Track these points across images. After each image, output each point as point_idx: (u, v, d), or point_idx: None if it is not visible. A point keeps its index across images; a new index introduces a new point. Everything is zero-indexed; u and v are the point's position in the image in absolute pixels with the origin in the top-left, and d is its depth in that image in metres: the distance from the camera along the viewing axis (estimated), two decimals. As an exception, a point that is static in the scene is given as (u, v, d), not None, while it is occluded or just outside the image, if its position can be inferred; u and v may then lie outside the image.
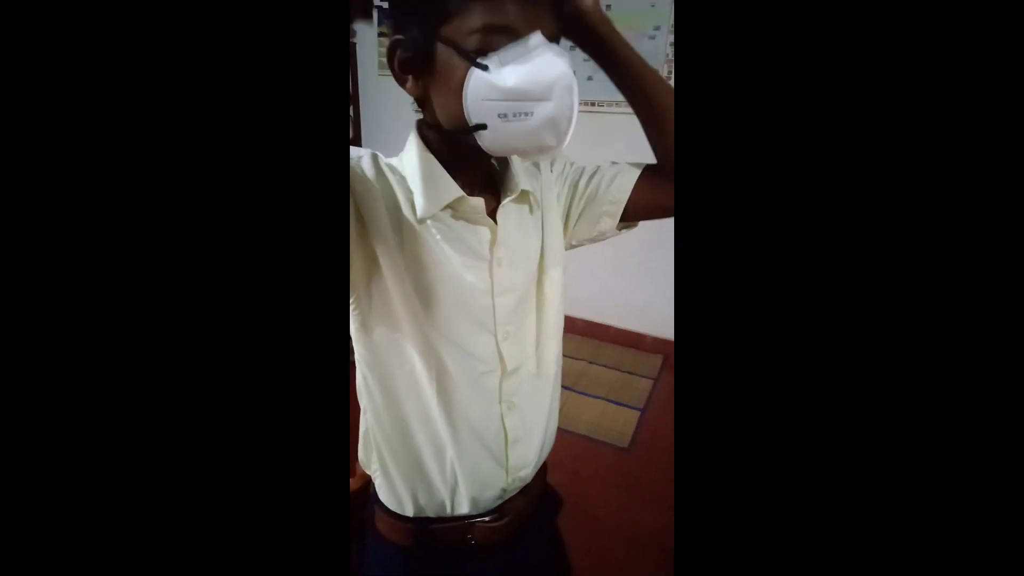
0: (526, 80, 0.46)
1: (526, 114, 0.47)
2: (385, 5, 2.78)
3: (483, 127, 0.48)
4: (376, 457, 0.64)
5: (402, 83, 0.52)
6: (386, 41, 2.85)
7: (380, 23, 2.84)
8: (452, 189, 0.55)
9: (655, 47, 2.27)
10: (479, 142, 0.49)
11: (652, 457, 1.90)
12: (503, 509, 0.64)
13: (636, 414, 2.15)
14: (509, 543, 0.65)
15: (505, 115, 0.47)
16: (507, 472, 0.63)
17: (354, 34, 2.91)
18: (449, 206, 0.55)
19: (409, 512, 0.62)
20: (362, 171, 0.53)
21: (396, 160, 0.59)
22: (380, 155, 0.56)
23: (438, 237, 0.55)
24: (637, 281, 2.53)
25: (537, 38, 0.47)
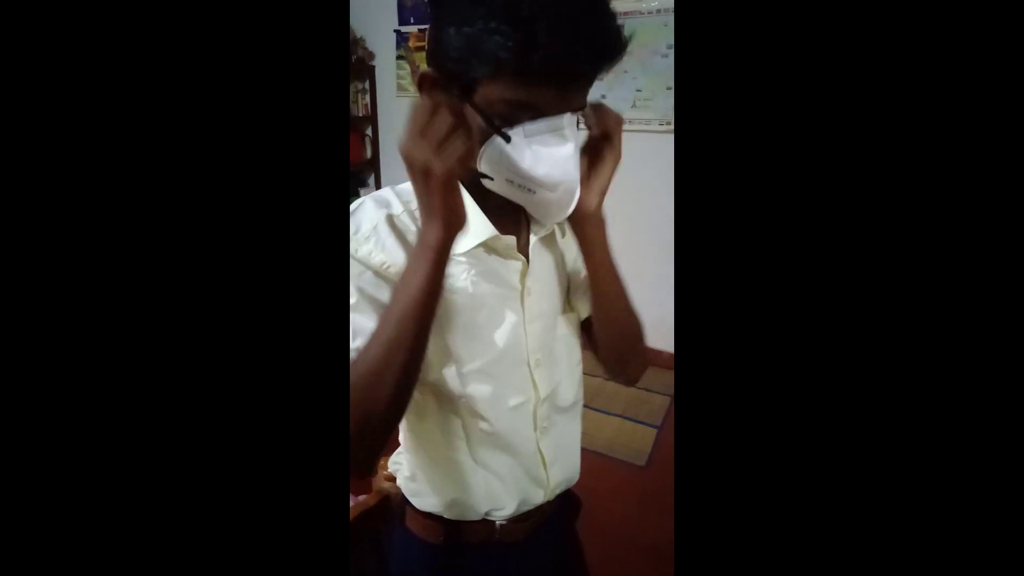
0: (538, 169, 0.48)
1: (530, 190, 0.50)
2: (403, 30, 2.85)
3: (489, 178, 0.51)
4: (409, 468, 0.66)
5: None
6: (404, 64, 2.91)
7: (399, 46, 2.90)
8: (486, 227, 0.55)
9: (668, 65, 2.29)
10: (482, 181, 0.52)
11: (670, 475, 1.87)
12: (529, 512, 0.66)
13: (653, 431, 2.12)
14: (531, 539, 0.67)
15: (511, 182, 0.50)
16: (545, 491, 0.65)
17: (373, 57, 2.99)
18: (482, 244, 0.56)
19: (443, 516, 0.64)
20: (382, 259, 0.53)
21: None
22: (392, 211, 0.56)
23: (470, 270, 0.56)
24: (653, 296, 2.50)
25: (563, 121, 0.48)
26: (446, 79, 0.49)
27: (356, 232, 0.53)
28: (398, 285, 0.49)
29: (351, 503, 0.98)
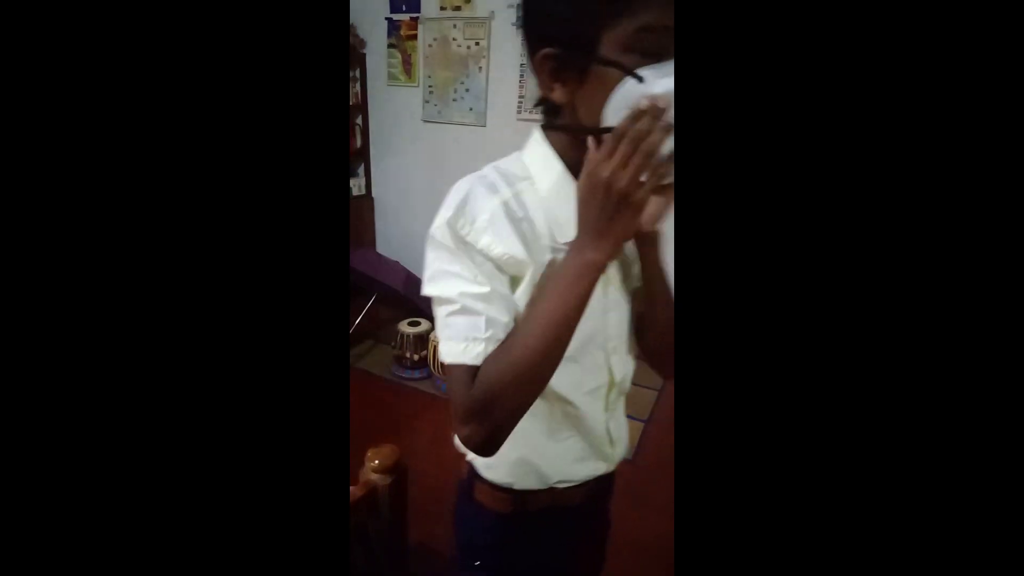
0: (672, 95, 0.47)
1: None
2: (394, 18, 2.82)
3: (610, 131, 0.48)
4: None
5: (548, 91, 0.52)
6: (396, 52, 2.88)
7: (390, 34, 2.87)
8: None
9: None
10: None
11: (656, 468, 1.89)
12: (590, 479, 0.70)
13: (640, 425, 2.14)
14: (585, 500, 0.71)
15: None
16: (610, 464, 0.70)
17: (364, 45, 2.95)
18: None
19: (514, 487, 0.67)
20: (502, 251, 0.52)
21: (515, 162, 0.58)
22: (503, 197, 0.54)
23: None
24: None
25: None
26: (567, 47, 0.48)
27: (473, 222, 0.52)
28: (551, 297, 0.49)
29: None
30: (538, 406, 0.61)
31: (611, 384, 0.64)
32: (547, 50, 0.49)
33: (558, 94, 0.51)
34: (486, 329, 0.51)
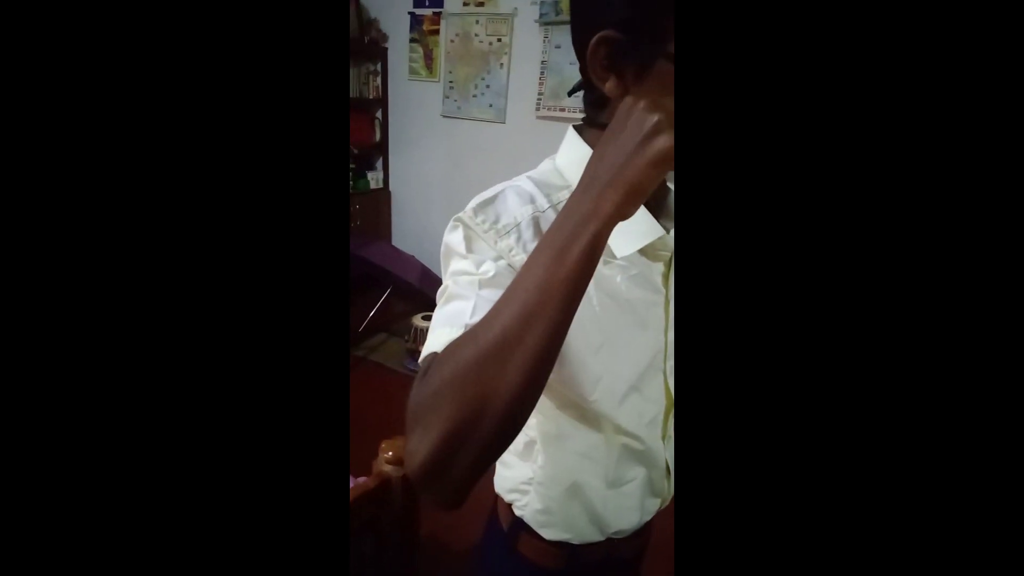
0: None
1: None
2: (417, 12, 2.82)
3: None
4: (543, 501, 0.62)
5: (600, 81, 0.45)
6: (417, 47, 2.89)
7: (412, 29, 2.88)
8: (653, 227, 0.49)
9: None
10: None
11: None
12: (645, 526, 0.65)
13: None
14: (637, 552, 0.67)
15: None
16: (663, 501, 0.64)
17: (386, 39, 2.96)
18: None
19: (566, 540, 0.62)
20: (522, 259, 0.46)
21: (549, 170, 0.53)
22: (537, 208, 0.49)
23: (624, 273, 0.51)
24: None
25: None
26: (631, 34, 0.42)
27: (496, 221, 0.47)
28: (537, 261, 0.36)
29: (350, 484, 1.00)
30: (598, 450, 0.56)
31: (668, 408, 0.59)
32: (607, 32, 0.42)
33: (610, 86, 0.44)
34: (472, 315, 0.41)
